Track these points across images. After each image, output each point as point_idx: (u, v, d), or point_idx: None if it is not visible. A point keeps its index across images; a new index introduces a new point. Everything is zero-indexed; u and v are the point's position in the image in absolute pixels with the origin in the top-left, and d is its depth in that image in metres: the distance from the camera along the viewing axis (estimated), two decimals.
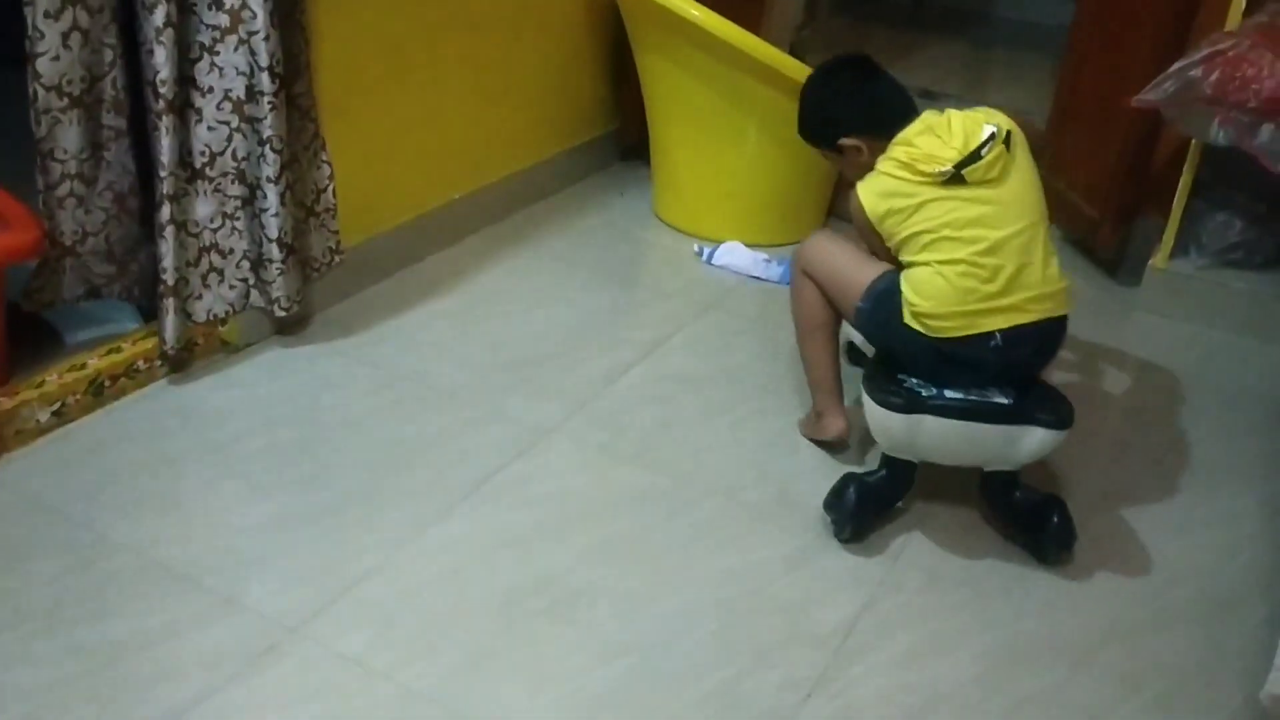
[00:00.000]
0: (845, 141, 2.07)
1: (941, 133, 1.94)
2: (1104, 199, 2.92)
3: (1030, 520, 1.97)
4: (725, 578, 1.86)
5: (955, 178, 1.90)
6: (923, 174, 1.91)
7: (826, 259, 2.11)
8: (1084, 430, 2.18)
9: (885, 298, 1.97)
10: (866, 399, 1.94)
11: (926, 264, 1.91)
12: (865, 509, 1.97)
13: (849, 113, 2.09)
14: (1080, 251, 3.05)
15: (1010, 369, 1.92)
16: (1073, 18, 3.13)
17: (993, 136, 1.91)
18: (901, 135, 1.98)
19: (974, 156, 1.90)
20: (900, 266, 1.98)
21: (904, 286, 1.95)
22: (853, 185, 2.00)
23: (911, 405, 1.89)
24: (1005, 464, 1.94)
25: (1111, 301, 2.91)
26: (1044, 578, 1.93)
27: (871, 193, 1.96)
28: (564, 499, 2.02)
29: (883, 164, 1.97)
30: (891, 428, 1.91)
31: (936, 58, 4.91)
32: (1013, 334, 1.89)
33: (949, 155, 1.90)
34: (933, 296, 1.90)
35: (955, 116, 1.97)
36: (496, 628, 1.72)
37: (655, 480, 2.09)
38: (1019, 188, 1.93)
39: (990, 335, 1.89)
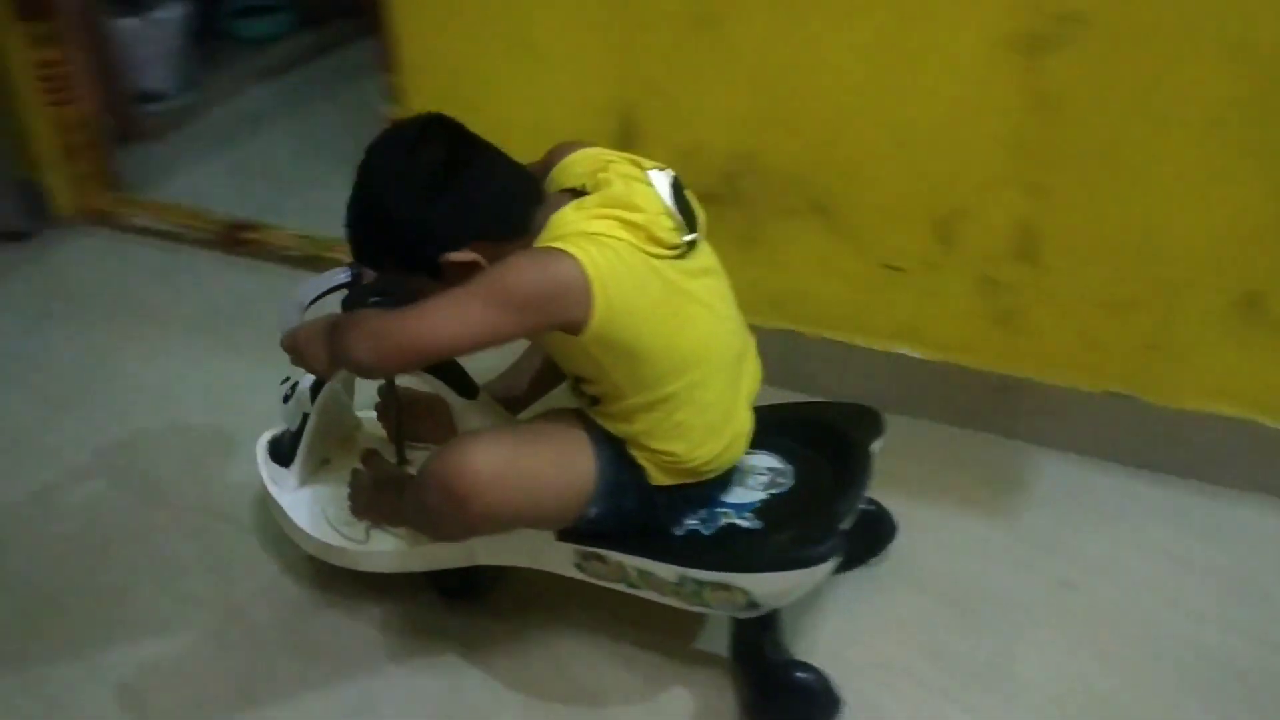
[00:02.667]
0: (452, 258, 1.36)
1: (625, 200, 1.37)
2: None
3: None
4: None
5: (689, 247, 1.41)
6: (660, 246, 1.37)
7: (522, 488, 1.42)
8: None
9: (620, 485, 1.46)
10: (762, 578, 1.44)
11: (689, 397, 1.42)
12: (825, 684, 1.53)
13: (456, 213, 1.37)
14: None
15: None
16: None
17: (678, 181, 1.45)
18: (567, 214, 1.37)
19: (689, 216, 1.43)
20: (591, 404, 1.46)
21: (652, 442, 1.44)
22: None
23: (840, 538, 1.47)
24: None
25: None
26: None
27: (601, 257, 1.31)
28: None
29: (593, 227, 1.33)
30: (823, 576, 1.47)
31: None
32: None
33: (665, 223, 1.38)
34: (714, 435, 1.47)
35: (616, 172, 1.42)
36: None
37: None
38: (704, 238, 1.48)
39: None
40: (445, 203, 1.37)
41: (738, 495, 1.56)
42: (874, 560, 1.78)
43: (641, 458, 1.45)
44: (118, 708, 1.63)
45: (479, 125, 2.25)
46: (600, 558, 1.51)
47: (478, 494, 1.38)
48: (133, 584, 1.86)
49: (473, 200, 1.38)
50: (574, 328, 1.33)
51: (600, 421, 1.46)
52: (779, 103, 2.00)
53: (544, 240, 1.34)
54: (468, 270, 1.35)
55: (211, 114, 3.66)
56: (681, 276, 1.39)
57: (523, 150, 1.53)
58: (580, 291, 1.29)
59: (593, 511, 1.46)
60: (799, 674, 1.52)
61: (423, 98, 2.33)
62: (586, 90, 2.17)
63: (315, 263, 2.71)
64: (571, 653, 1.66)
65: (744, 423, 1.53)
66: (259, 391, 2.32)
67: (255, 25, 4.04)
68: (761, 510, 1.54)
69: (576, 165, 1.48)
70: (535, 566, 1.59)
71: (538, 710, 1.59)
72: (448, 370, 1.57)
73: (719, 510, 1.54)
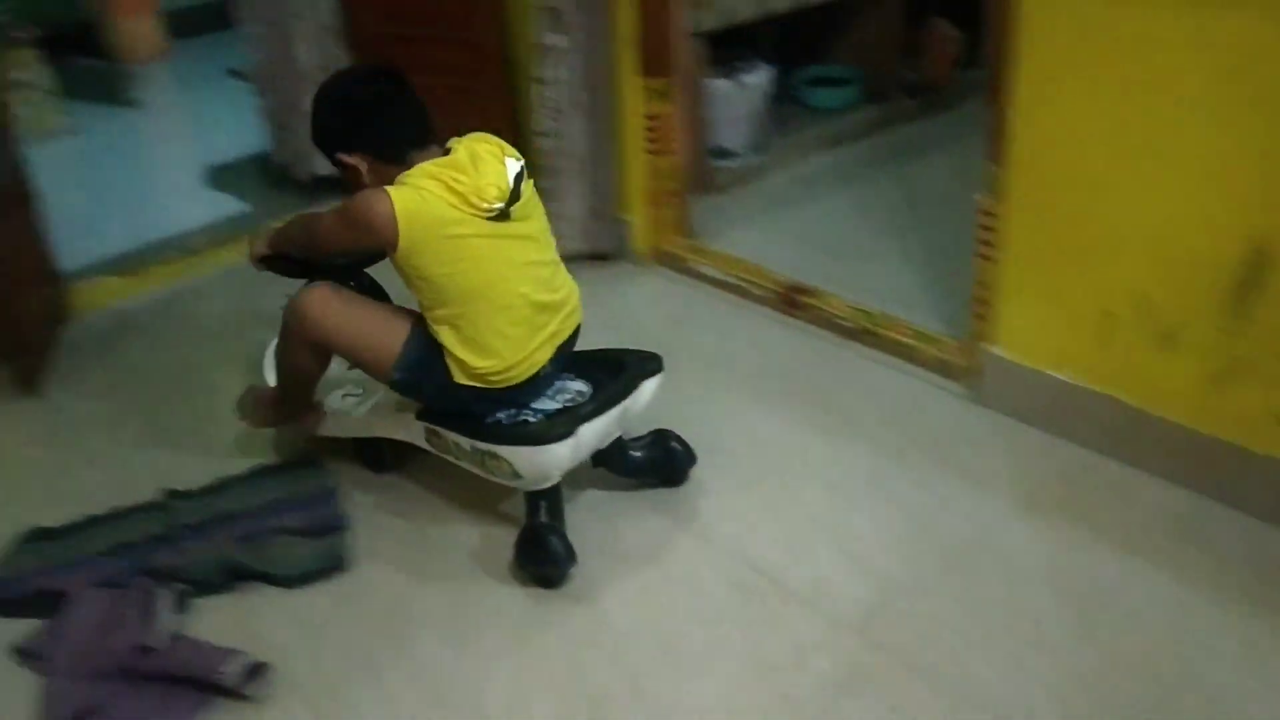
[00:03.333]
0: (344, 157, 2.02)
1: (469, 169, 1.92)
2: None
3: (654, 461, 2.26)
4: None
5: (502, 214, 1.94)
6: (474, 207, 1.91)
7: (340, 327, 2.08)
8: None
9: (424, 365, 2.02)
10: (516, 450, 1.98)
11: (475, 320, 1.97)
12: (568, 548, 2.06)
13: (356, 126, 2.00)
14: None
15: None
16: None
17: (523, 170, 1.99)
18: (424, 166, 1.93)
19: (515, 194, 1.96)
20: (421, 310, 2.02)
21: (453, 348, 2.00)
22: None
23: (572, 426, 1.98)
24: (619, 432, 2.15)
25: None
26: None
27: (411, 203, 1.89)
28: None
29: (422, 183, 1.90)
30: (563, 456, 1.97)
31: None
32: (557, 356, 2.08)
33: (492, 192, 1.92)
34: (494, 355, 1.99)
35: (476, 150, 1.96)
36: None
37: None
38: (542, 218, 2.07)
39: (540, 369, 2.05)
40: (348, 117, 2.01)
41: (542, 403, 2.10)
42: (674, 484, 2.29)
43: (448, 359, 2.00)
44: None
45: (1084, 231, 2.19)
46: (437, 434, 2.13)
47: (309, 313, 2.08)
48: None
49: (366, 123, 1.99)
50: (390, 248, 1.92)
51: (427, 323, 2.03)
52: None
53: (400, 179, 1.93)
54: (352, 170, 2.02)
55: (775, 175, 3.83)
56: (489, 231, 1.94)
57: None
58: (389, 222, 1.88)
59: (397, 375, 2.06)
60: (550, 536, 2.05)
61: (1026, 195, 2.26)
62: (1212, 209, 2.00)
63: (867, 336, 2.73)
64: (429, 498, 2.32)
65: (538, 354, 2.04)
66: (796, 450, 2.38)
67: (824, 95, 4.18)
68: (551, 414, 2.07)
69: (471, 136, 2.02)
70: (407, 440, 2.22)
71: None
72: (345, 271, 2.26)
73: (524, 412, 2.08)
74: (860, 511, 2.20)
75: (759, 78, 3.73)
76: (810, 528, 2.16)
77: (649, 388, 2.16)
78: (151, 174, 4.60)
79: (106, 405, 2.74)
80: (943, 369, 2.59)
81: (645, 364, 2.17)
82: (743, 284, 3.05)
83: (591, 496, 2.28)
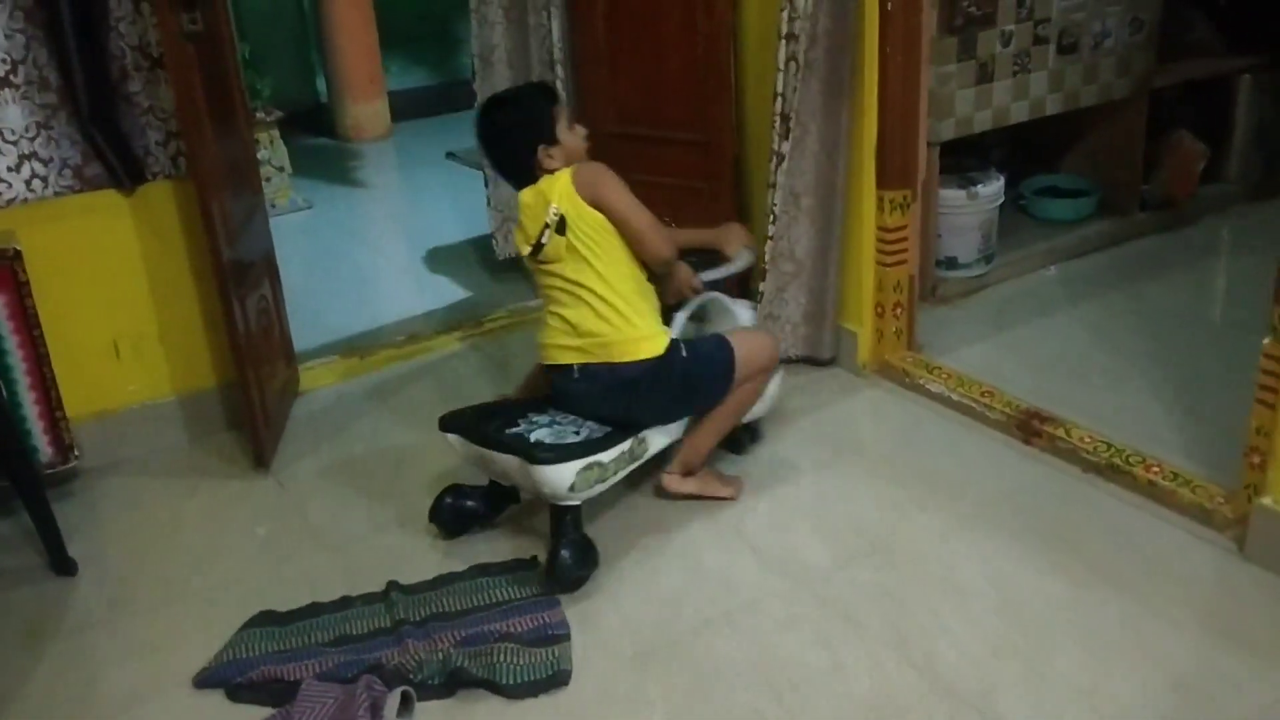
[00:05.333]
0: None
1: (522, 213, 2.46)
2: None
3: None
4: None
5: (534, 252, 2.43)
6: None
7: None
8: None
9: None
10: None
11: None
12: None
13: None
14: None
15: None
16: None
17: (558, 222, 2.37)
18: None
19: (538, 246, 2.41)
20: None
21: None
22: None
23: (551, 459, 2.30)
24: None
25: None
26: None
27: None
28: None
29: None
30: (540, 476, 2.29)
31: None
32: (586, 372, 2.42)
33: (520, 238, 2.48)
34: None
35: (527, 200, 2.44)
36: None
37: None
38: (578, 264, 2.39)
39: (561, 365, 2.46)
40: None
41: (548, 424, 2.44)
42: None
43: None
44: None
45: None
46: None
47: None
48: None
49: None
50: None
51: None
52: None
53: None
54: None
55: (1003, 288, 3.69)
56: (531, 261, 2.48)
57: None
58: None
59: None
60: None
61: None
62: None
63: (1112, 472, 2.55)
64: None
65: (557, 352, 2.46)
66: (1041, 596, 2.21)
67: (1055, 206, 4.03)
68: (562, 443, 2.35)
69: (551, 176, 2.43)
70: None
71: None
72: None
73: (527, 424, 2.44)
74: (1120, 676, 2.01)
75: (992, 188, 3.61)
76: (1067, 691, 1.99)
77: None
78: (374, 252, 4.77)
79: (333, 488, 2.79)
80: (1203, 517, 2.39)
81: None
82: (974, 404, 2.90)
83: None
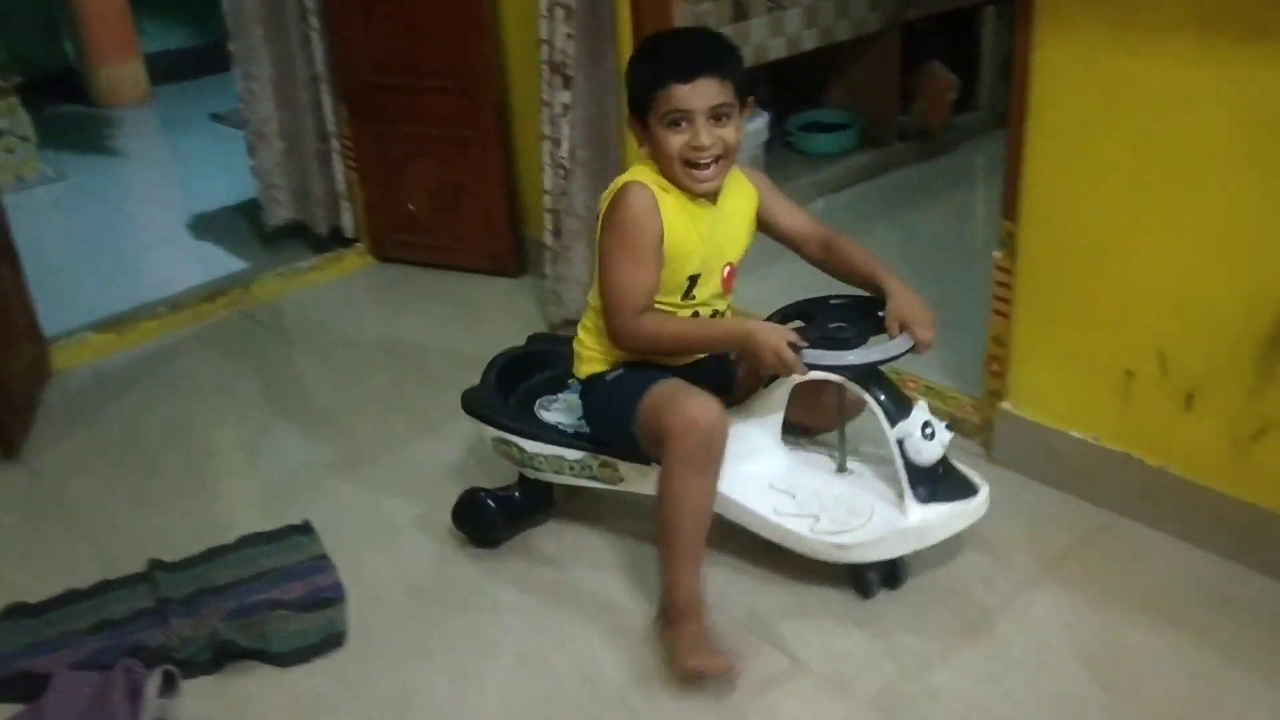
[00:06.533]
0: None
1: None
2: None
3: None
4: None
5: None
6: None
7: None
8: None
9: None
10: None
11: None
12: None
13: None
14: None
15: None
16: None
17: None
18: None
19: None
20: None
21: None
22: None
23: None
24: None
25: None
26: None
27: None
28: None
29: None
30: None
31: None
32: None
33: None
34: None
35: None
36: None
37: None
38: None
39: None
40: None
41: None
42: None
43: None
44: None
45: (1104, 288, 2.13)
46: None
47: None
48: None
49: None
50: None
51: None
52: None
53: None
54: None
55: None
56: None
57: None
58: None
59: None
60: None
61: (1042, 251, 2.21)
62: (1235, 272, 1.94)
63: None
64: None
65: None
66: None
67: (818, 140, 4.14)
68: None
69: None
70: None
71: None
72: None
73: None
74: None
75: (756, 124, 3.69)
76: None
77: None
78: (134, 223, 4.51)
79: (90, 470, 2.64)
80: (956, 427, 2.51)
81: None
82: None
83: None
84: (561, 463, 2.14)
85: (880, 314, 1.96)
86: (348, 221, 3.59)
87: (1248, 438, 2.02)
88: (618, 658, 1.96)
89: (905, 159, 4.18)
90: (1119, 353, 2.14)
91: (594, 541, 2.25)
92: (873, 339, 1.94)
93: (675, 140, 1.85)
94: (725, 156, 1.89)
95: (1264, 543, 2.05)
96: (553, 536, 2.28)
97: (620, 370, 2.02)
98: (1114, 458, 2.21)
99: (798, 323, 1.99)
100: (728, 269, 2.04)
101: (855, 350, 1.90)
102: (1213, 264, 1.98)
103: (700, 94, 1.83)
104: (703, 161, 1.87)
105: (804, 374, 1.86)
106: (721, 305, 2.07)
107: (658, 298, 1.93)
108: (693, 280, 1.97)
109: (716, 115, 1.85)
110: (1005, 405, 2.38)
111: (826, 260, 2.08)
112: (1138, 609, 2.01)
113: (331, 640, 2.02)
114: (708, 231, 1.96)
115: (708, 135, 1.84)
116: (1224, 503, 2.08)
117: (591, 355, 2.06)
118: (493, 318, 3.23)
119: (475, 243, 3.43)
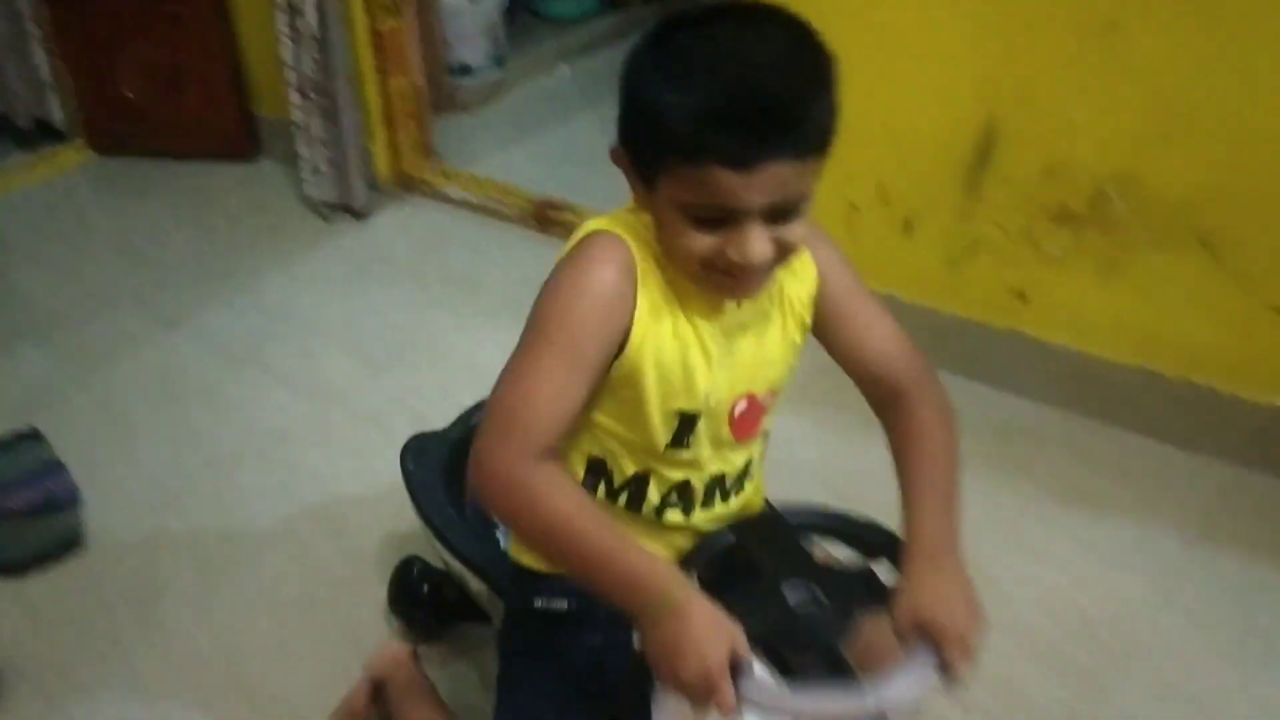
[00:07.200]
0: None
1: None
2: None
3: None
4: None
5: None
6: None
7: None
8: None
9: None
10: None
11: None
12: None
13: None
14: None
15: None
16: None
17: None
18: None
19: None
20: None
21: None
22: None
23: None
24: None
25: None
26: None
27: None
28: None
29: None
30: None
31: None
32: None
33: None
34: None
35: None
36: None
37: None
38: None
39: None
40: None
41: None
42: None
43: None
44: None
45: None
46: None
47: None
48: None
49: None
50: None
51: None
52: (1173, 120, 1.82)
53: None
54: None
55: (518, 91, 3.72)
56: None
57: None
58: None
59: None
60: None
61: None
62: (947, 91, 2.04)
63: None
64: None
65: None
66: None
67: (559, 4, 4.08)
68: None
69: None
70: None
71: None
72: None
73: None
74: None
75: None
76: None
77: None
78: None
79: None
80: None
81: None
82: (493, 204, 2.95)
83: None
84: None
85: (888, 586, 1.11)
86: (55, 113, 3.31)
87: (960, 256, 2.15)
88: (361, 521, 1.96)
89: (648, 19, 4.16)
90: (843, 187, 2.23)
91: None
92: (868, 624, 1.08)
93: (701, 242, 1.03)
94: (783, 257, 1.07)
95: (976, 352, 2.20)
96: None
97: (562, 610, 1.26)
98: None
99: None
100: (744, 403, 1.19)
101: (845, 689, 1.00)
102: (920, 94, 2.07)
103: (762, 187, 0.98)
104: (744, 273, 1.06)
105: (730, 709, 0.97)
106: (730, 466, 1.23)
107: (617, 441, 1.17)
108: (687, 421, 1.16)
109: (781, 212, 1.02)
110: None
111: (885, 421, 1.25)
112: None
113: (68, 544, 1.93)
114: (721, 347, 1.14)
115: (761, 244, 1.02)
116: (945, 320, 2.22)
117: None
118: (227, 205, 3.07)
119: (202, 127, 3.23)
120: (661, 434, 1.15)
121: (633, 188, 1.10)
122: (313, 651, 1.74)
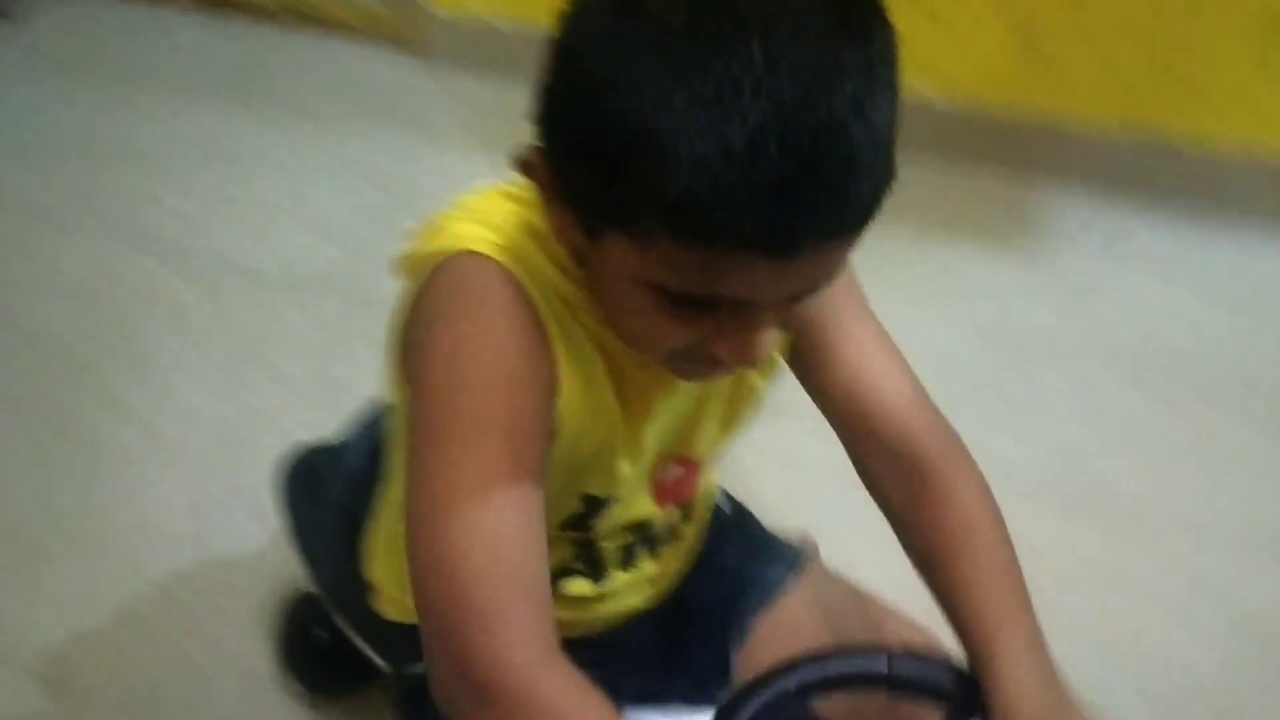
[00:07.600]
0: None
1: None
2: None
3: None
4: None
5: None
6: None
7: None
8: None
9: None
10: None
11: None
12: None
13: None
14: None
15: None
16: None
17: None
18: None
19: None
20: None
21: None
22: None
23: None
24: None
25: None
26: None
27: None
28: None
29: None
30: None
31: None
32: None
33: None
34: None
35: None
36: None
37: None
38: None
39: None
40: None
41: None
42: None
43: None
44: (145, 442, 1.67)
45: None
46: None
47: None
48: (143, 329, 1.86)
49: None
50: None
51: None
52: None
53: None
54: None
55: None
56: None
57: None
58: None
59: None
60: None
61: None
62: None
63: (305, 23, 2.58)
64: None
65: None
66: (258, 151, 2.29)
67: None
68: None
69: None
70: None
71: None
72: None
73: None
74: (322, 186, 2.17)
75: None
76: (274, 212, 2.11)
77: None
78: None
79: None
80: (394, 42, 2.52)
81: None
82: None
83: None
84: None
85: None
86: None
87: None
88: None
89: None
90: None
91: None
92: None
93: (677, 334, 0.70)
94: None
95: None
96: None
97: None
98: (533, 39, 2.31)
99: None
100: (678, 469, 0.91)
101: None
102: None
103: (797, 276, 0.66)
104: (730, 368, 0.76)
105: None
106: (657, 515, 0.93)
107: None
108: (594, 505, 0.87)
109: (802, 295, 0.70)
110: (429, 8, 2.42)
111: (903, 506, 0.87)
112: None
113: None
114: (647, 404, 0.83)
115: (770, 343, 0.71)
116: None
117: (396, 601, 0.99)
118: None
119: None
120: (556, 512, 0.83)
121: (549, 214, 0.73)
122: None
